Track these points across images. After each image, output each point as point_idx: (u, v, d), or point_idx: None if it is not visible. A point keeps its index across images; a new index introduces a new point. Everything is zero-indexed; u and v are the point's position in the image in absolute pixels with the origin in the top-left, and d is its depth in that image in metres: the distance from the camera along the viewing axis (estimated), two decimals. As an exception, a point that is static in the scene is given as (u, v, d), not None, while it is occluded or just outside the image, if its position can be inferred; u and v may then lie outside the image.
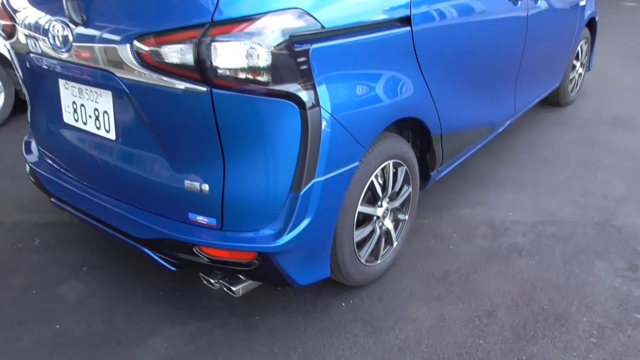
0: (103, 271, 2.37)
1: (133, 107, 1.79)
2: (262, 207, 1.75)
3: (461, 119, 2.56)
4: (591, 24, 4.31)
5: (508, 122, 3.23)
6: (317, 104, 1.67)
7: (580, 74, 4.44)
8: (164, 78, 1.63)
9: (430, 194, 3.01)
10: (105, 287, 2.27)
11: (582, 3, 3.84)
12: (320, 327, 2.05)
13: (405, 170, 2.26)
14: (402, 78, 2.03)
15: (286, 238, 1.73)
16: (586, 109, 4.35)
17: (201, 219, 1.81)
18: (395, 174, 2.24)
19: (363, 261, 2.15)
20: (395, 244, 2.33)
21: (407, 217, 2.38)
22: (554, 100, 4.27)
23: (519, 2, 2.76)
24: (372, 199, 2.14)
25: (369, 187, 2.06)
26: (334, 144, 1.75)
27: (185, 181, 1.78)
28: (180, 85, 1.62)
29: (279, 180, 1.72)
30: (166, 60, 1.60)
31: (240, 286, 1.89)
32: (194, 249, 1.82)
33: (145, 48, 1.62)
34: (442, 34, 2.19)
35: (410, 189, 2.34)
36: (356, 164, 1.88)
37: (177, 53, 1.58)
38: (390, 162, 2.13)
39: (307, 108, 1.65)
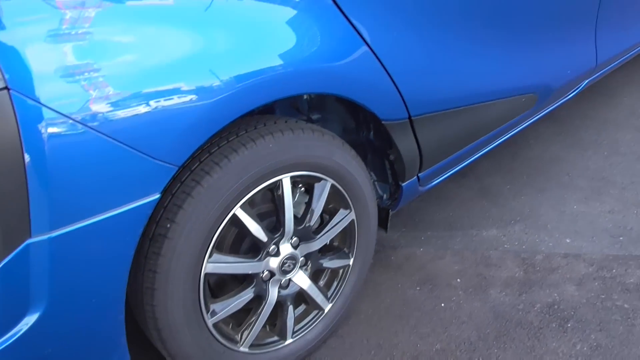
0: None
1: None
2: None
3: (464, 85, 1.47)
4: None
5: (586, 81, 2.02)
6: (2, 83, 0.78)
7: None
8: None
9: (444, 200, 1.95)
10: None
11: None
12: None
13: (333, 185, 1.27)
14: (276, 13, 1.03)
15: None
16: None
17: None
18: (309, 194, 1.27)
19: (244, 348, 1.24)
20: (327, 307, 1.38)
21: (351, 262, 1.40)
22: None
23: None
24: (252, 245, 1.21)
25: (237, 228, 1.15)
26: (64, 163, 0.84)
27: None
28: None
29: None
30: None
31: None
32: None
33: None
34: None
35: (354, 215, 1.35)
36: (155, 196, 0.96)
37: None
38: (285, 177, 1.17)
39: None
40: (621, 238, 1.69)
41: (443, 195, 1.98)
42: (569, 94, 1.98)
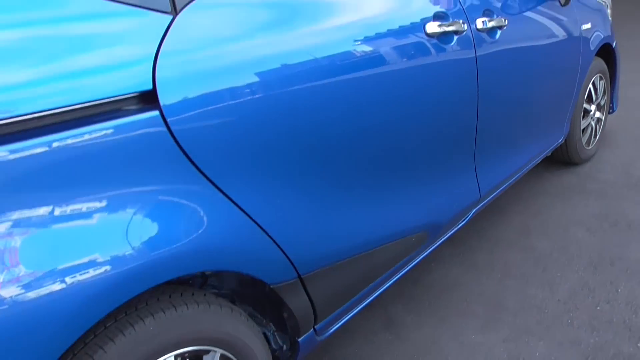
0: None
1: None
2: None
3: (352, 236, 1.54)
4: (607, 54, 3.22)
5: (473, 211, 2.17)
6: None
7: (600, 120, 3.31)
8: None
9: (350, 333, 1.96)
10: None
11: (586, 26, 2.78)
12: None
13: (223, 355, 1.24)
14: (143, 205, 1.05)
15: None
16: (611, 167, 3.19)
17: None
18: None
19: None
20: None
21: None
22: (564, 157, 3.15)
23: (455, 38, 1.75)
24: None
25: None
26: None
27: None
28: None
29: None
30: None
31: None
32: None
33: None
34: (266, 106, 1.21)
35: (247, 381, 1.32)
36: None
37: None
38: (169, 357, 1.13)
39: None
40: (516, 369, 1.75)
41: (350, 328, 1.99)
42: (459, 224, 2.11)
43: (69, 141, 0.93)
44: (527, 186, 3.02)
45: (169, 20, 1.06)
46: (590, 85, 3.04)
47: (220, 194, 1.16)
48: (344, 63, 1.37)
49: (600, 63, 3.09)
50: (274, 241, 1.27)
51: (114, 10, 0.99)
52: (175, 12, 1.07)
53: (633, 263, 2.23)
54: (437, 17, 1.70)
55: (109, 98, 0.96)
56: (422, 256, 1.93)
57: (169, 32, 1.05)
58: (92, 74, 0.95)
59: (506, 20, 2.01)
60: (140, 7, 1.03)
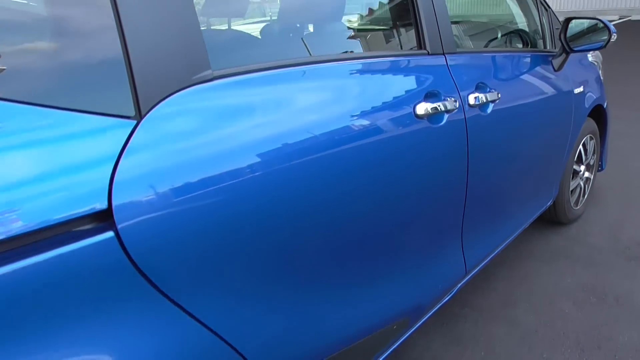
0: None
1: None
2: None
3: (328, 337, 1.43)
4: (598, 113, 3.18)
5: (458, 286, 2.08)
6: None
7: (588, 179, 3.26)
8: None
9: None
10: None
11: (579, 90, 2.73)
12: None
13: None
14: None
15: None
16: (599, 229, 3.13)
17: None
18: None
19: None
20: None
21: None
22: (551, 217, 3.09)
23: (445, 117, 1.67)
24: None
25: None
26: None
27: None
28: None
29: None
30: None
31: None
32: None
33: None
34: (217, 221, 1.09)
35: None
36: None
37: None
38: None
39: None
40: None
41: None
42: (443, 300, 2.01)
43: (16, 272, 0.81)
44: (513, 247, 2.95)
45: (132, 127, 0.95)
46: (581, 147, 2.99)
47: (185, 315, 1.04)
48: (321, 172, 1.27)
49: (591, 124, 3.05)
50: (242, 356, 1.16)
51: (67, 121, 0.88)
52: (140, 116, 0.96)
53: (621, 347, 2.14)
54: (428, 96, 1.62)
55: (55, 223, 0.85)
56: (402, 339, 1.83)
57: (130, 140, 0.94)
58: (38, 195, 0.83)
59: (499, 94, 1.94)
60: (99, 114, 0.92)
